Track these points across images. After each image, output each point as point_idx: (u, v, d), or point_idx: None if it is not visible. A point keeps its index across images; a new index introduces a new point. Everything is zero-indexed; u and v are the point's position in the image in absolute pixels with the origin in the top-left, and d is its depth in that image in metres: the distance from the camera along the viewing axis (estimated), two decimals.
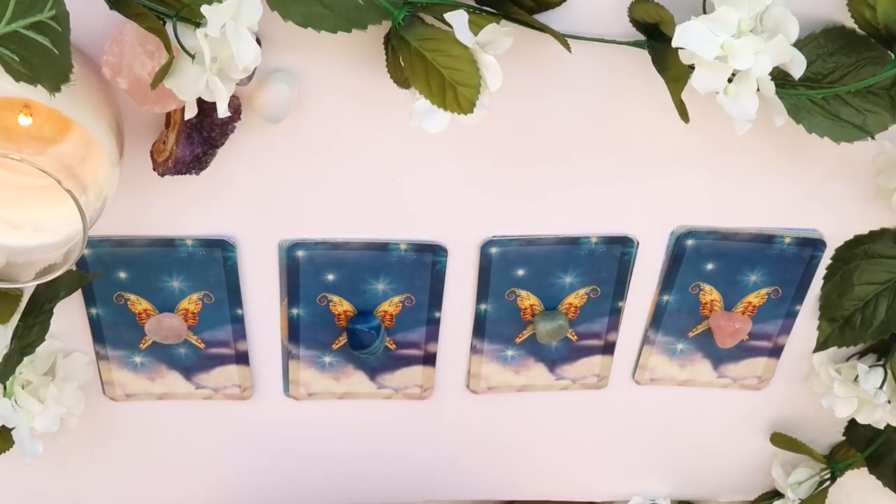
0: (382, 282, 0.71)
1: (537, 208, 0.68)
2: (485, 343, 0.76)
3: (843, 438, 0.84)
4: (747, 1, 0.53)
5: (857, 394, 0.76)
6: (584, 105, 0.63)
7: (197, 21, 0.50)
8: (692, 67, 0.54)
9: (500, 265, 0.71)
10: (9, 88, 0.48)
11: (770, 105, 0.57)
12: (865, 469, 0.84)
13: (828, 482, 0.85)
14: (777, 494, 0.89)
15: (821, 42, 0.59)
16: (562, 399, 0.81)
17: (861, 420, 0.77)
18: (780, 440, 0.84)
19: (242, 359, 0.75)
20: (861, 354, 0.78)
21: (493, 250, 0.70)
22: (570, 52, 0.57)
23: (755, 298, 0.74)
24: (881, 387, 0.75)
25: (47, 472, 0.82)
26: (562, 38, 0.56)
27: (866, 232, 0.70)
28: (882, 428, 0.77)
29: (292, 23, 0.53)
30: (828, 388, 0.77)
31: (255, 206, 0.66)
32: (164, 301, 0.71)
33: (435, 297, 0.72)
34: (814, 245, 0.71)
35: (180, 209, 0.66)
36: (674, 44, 0.53)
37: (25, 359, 0.68)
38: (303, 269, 0.70)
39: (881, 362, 0.76)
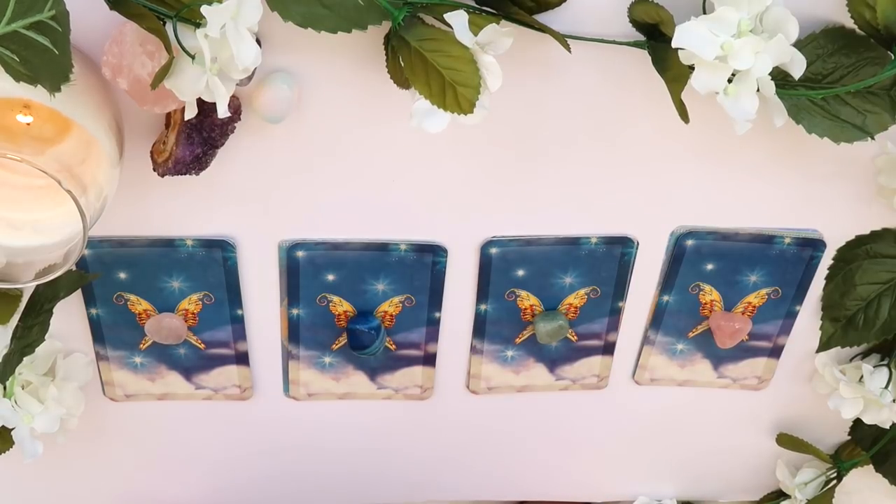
0: (382, 282, 0.71)
1: (537, 208, 0.68)
2: (485, 343, 0.76)
3: (848, 437, 0.84)
4: (747, 1, 0.53)
5: (862, 394, 0.76)
6: (584, 105, 0.63)
7: (197, 21, 0.50)
8: (692, 68, 0.54)
9: (500, 265, 0.71)
10: (9, 88, 0.48)
11: (770, 105, 0.57)
12: (867, 469, 0.84)
13: (834, 482, 0.85)
14: (782, 495, 0.89)
15: (821, 42, 0.59)
16: (562, 399, 0.81)
17: (867, 420, 0.77)
18: (786, 441, 0.84)
19: (242, 359, 0.75)
20: (864, 355, 0.78)
21: (493, 250, 0.70)
22: (569, 52, 0.57)
23: (755, 299, 0.74)
24: (887, 386, 0.75)
25: (47, 472, 0.82)
26: (562, 39, 0.56)
27: (866, 232, 0.70)
28: (888, 427, 0.77)
29: (292, 23, 0.53)
30: (832, 389, 0.77)
31: (255, 207, 0.66)
32: (164, 301, 0.71)
33: (435, 297, 0.72)
34: (814, 245, 0.71)
35: (180, 209, 0.66)
36: (674, 44, 0.53)
37: (25, 359, 0.68)
38: (303, 270, 0.70)
39: (885, 362, 0.76)
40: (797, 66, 0.55)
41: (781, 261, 0.72)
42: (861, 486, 0.86)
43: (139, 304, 0.71)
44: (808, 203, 0.69)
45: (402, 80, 0.57)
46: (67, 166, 0.54)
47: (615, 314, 0.75)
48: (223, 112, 0.52)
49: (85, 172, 0.55)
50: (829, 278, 0.73)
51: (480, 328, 0.75)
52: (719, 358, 0.79)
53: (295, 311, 0.73)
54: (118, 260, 0.68)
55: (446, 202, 0.67)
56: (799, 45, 0.56)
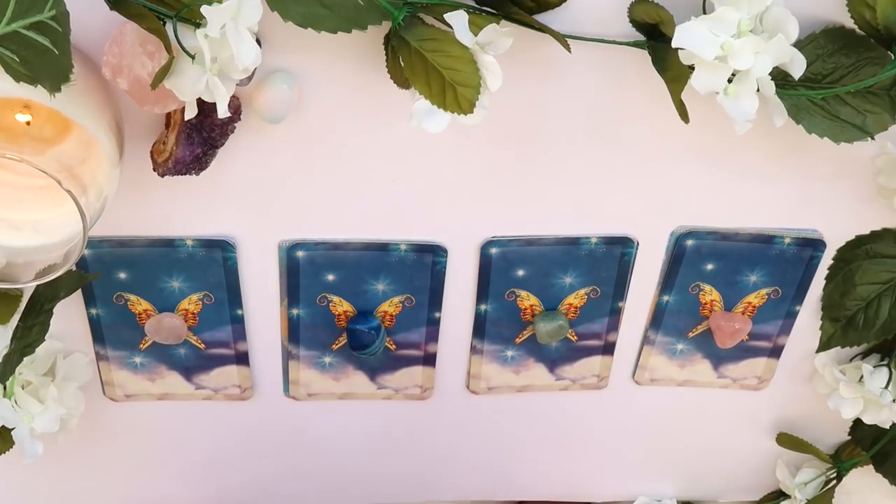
0: (382, 282, 0.71)
1: (537, 208, 0.68)
2: (485, 343, 0.76)
3: (848, 437, 0.84)
4: (747, 1, 0.53)
5: (862, 394, 0.76)
6: (584, 105, 0.63)
7: (197, 21, 0.50)
8: (692, 68, 0.54)
9: (500, 265, 0.71)
10: (9, 88, 0.48)
11: (770, 105, 0.57)
12: (867, 469, 0.84)
13: (834, 482, 0.85)
14: (782, 495, 0.89)
15: (821, 42, 0.59)
16: (562, 399, 0.81)
17: (867, 420, 0.77)
18: (786, 440, 0.84)
19: (242, 359, 0.75)
20: (864, 355, 0.78)
21: (493, 250, 0.70)
22: (569, 52, 0.57)
23: (755, 299, 0.74)
24: (886, 386, 0.75)
25: (47, 472, 0.82)
26: (562, 39, 0.56)
27: (866, 232, 0.70)
28: (888, 427, 0.77)
29: (292, 23, 0.53)
30: (832, 389, 0.77)
31: (255, 207, 0.66)
32: (164, 301, 0.71)
33: (435, 297, 0.72)
34: (814, 245, 0.71)
35: (180, 209, 0.66)
36: (674, 44, 0.53)
37: (25, 359, 0.68)
38: (303, 270, 0.70)
39: (885, 362, 0.76)
40: (797, 66, 0.55)
41: (781, 261, 0.72)
42: (861, 486, 0.86)
43: (139, 304, 0.71)
44: (807, 203, 0.69)
45: (402, 80, 0.57)
46: (67, 166, 0.54)
47: (615, 314, 0.75)
48: (223, 112, 0.52)
49: (85, 172, 0.55)
50: (829, 278, 0.73)
51: (480, 328, 0.75)
52: (719, 358, 0.79)
53: (295, 311, 0.73)
54: (118, 260, 0.68)
55: (446, 202, 0.67)
56: (799, 45, 0.56)
